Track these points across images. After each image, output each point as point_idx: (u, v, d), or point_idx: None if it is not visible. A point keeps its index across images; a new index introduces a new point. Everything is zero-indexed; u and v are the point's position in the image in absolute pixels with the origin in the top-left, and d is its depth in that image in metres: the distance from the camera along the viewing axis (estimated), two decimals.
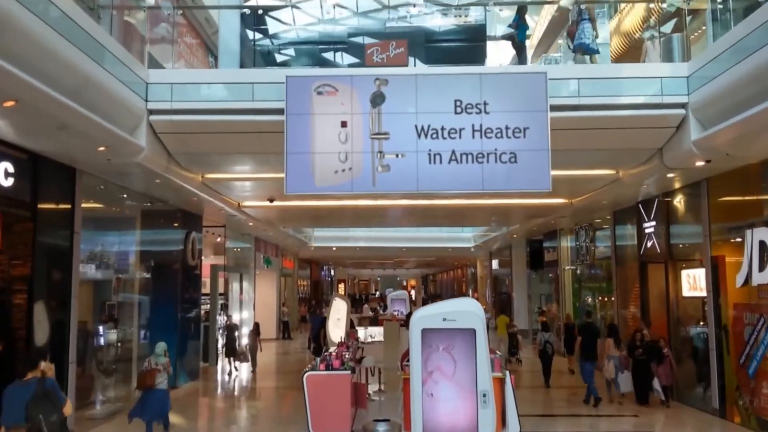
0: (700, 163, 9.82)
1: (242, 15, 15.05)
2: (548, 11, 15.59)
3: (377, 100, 9.17)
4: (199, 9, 15.25)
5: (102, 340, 11.50)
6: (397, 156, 9.15)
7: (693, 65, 9.21)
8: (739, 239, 10.20)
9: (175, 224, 14.70)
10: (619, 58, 12.86)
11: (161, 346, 9.52)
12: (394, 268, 55.93)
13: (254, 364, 16.64)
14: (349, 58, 14.98)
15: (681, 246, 12.64)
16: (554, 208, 16.15)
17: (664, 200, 12.88)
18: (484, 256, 33.04)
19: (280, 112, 9.15)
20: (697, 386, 11.83)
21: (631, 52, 12.52)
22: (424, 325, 7.71)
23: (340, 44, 15.25)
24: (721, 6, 10.04)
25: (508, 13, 12.76)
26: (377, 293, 58.39)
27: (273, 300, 26.23)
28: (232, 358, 16.53)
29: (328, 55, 15.52)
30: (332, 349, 11.78)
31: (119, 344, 12.15)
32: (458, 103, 9.15)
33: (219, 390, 15.07)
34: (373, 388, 12.84)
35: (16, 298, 8.78)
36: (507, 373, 8.68)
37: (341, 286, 56.65)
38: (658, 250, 13.12)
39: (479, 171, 9.10)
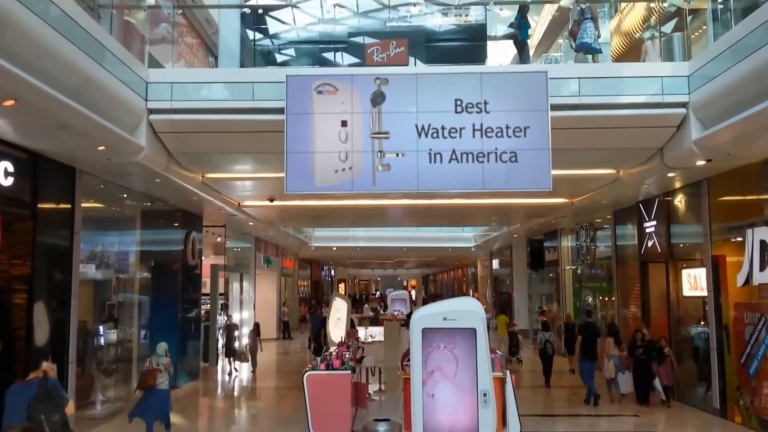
0: (700, 163, 9.82)
1: (242, 15, 15.03)
2: (548, 11, 15.60)
3: (377, 99, 9.16)
4: (199, 8, 15.24)
5: (102, 340, 11.49)
6: (397, 155, 9.14)
7: (694, 64, 9.20)
8: (739, 239, 10.19)
9: (175, 224, 14.69)
10: (620, 58, 12.85)
11: (162, 347, 9.51)
12: (395, 268, 55.91)
13: (254, 364, 16.63)
14: (349, 58, 14.95)
15: (682, 245, 12.63)
16: (555, 207, 16.14)
17: (665, 200, 12.87)
18: (484, 256, 33.03)
19: (280, 111, 9.14)
20: (698, 386, 11.82)
21: (632, 51, 12.51)
22: (425, 324, 7.70)
23: (341, 44, 15.21)
24: (721, 6, 10.03)
25: (509, 13, 12.73)
26: (377, 293, 58.40)
27: (273, 300, 26.23)
28: (232, 358, 16.54)
29: (329, 55, 15.48)
30: (332, 348, 11.78)
31: (119, 344, 12.14)
32: (459, 103, 9.14)
33: (219, 390, 15.07)
34: (373, 387, 12.84)
35: (16, 297, 8.77)
36: (507, 372, 8.67)
37: (341, 286, 56.65)
38: (659, 250, 13.11)
39: (480, 170, 9.09)
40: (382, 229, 27.47)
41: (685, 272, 12.45)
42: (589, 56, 10.56)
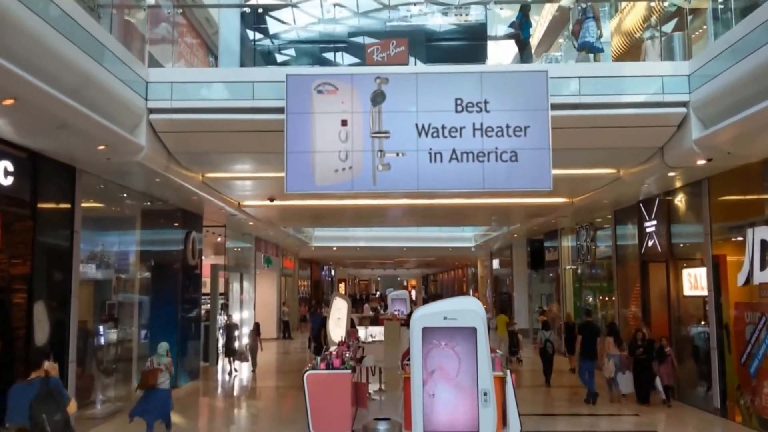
0: (701, 162, 9.81)
1: (242, 14, 15.03)
2: (549, 11, 15.60)
3: (378, 98, 9.15)
4: (199, 8, 15.25)
5: (102, 340, 11.48)
6: (397, 155, 9.13)
7: (694, 64, 9.20)
8: (740, 238, 10.18)
9: (176, 224, 14.68)
10: (620, 58, 12.84)
11: (163, 346, 9.50)
12: (395, 268, 55.90)
13: (254, 364, 16.62)
14: (349, 58, 14.93)
15: (682, 245, 12.62)
16: (555, 207, 16.14)
17: (665, 199, 12.86)
18: (484, 256, 33.02)
19: (280, 110, 9.13)
20: (699, 385, 11.81)
21: (632, 51, 12.50)
22: (425, 323, 7.70)
23: (341, 44, 15.20)
24: (721, 5, 10.02)
25: (509, 13, 12.73)
26: (378, 293, 58.39)
27: (273, 300, 26.23)
28: (232, 358, 16.53)
29: (329, 55, 15.46)
30: (333, 348, 11.77)
31: (119, 344, 12.14)
32: (459, 102, 9.13)
33: (219, 390, 15.06)
34: (373, 387, 12.83)
35: (16, 297, 8.76)
36: (508, 372, 8.66)
37: (341, 286, 56.65)
38: (659, 250, 13.11)
39: (480, 170, 9.08)
40: (382, 229, 27.46)
41: (685, 272, 12.44)
42: (591, 55, 10.55)
